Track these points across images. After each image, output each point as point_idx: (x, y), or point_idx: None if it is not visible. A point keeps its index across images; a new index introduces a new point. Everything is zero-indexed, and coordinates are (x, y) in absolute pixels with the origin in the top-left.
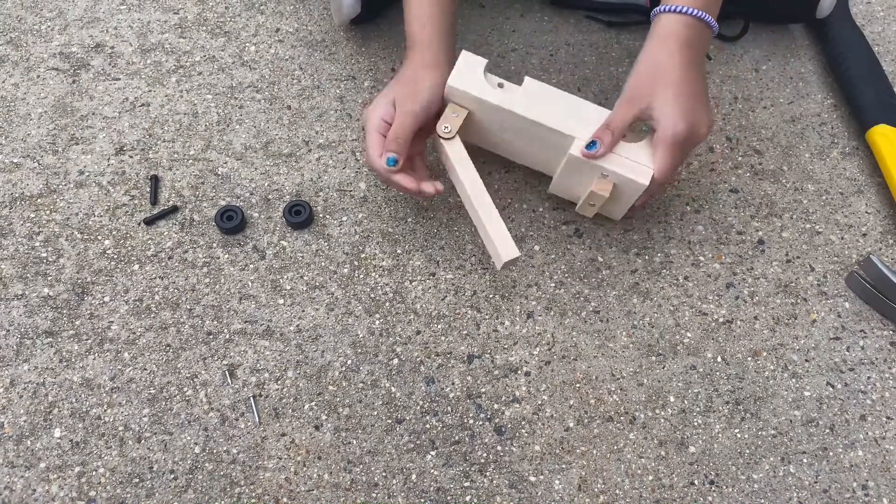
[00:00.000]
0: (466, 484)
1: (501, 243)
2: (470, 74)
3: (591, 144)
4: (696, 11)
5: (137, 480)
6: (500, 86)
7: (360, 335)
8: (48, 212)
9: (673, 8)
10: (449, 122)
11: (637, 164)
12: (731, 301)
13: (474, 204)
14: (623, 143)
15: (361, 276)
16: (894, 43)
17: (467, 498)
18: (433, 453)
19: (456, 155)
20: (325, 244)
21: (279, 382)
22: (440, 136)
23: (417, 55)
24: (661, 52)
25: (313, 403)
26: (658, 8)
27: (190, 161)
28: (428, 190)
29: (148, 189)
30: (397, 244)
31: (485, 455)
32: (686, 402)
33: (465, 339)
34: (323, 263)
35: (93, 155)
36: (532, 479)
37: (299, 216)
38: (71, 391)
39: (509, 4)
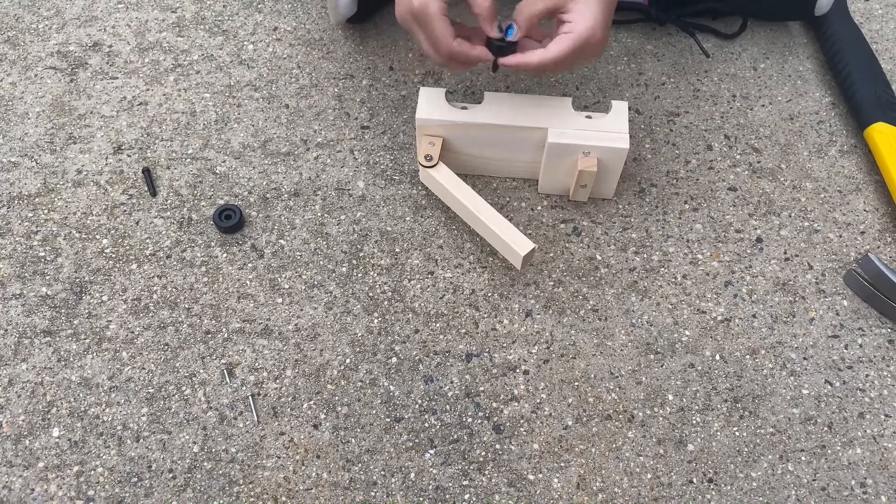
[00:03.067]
0: (465, 482)
1: (515, 241)
2: (434, 104)
3: (509, 29)
4: None
5: (136, 479)
6: (464, 108)
7: (359, 334)
8: (46, 211)
9: None
10: (428, 151)
11: (611, 133)
12: (730, 299)
13: (480, 217)
14: (591, 120)
15: (360, 274)
16: (892, 41)
17: (466, 496)
18: (432, 452)
19: (445, 178)
20: (324, 243)
21: (278, 381)
22: (424, 166)
23: None
24: None
25: (312, 402)
26: None
27: (188, 160)
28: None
29: (146, 188)
30: (395, 243)
31: (483, 453)
32: (684, 400)
33: (463, 337)
34: (321, 262)
35: (91, 154)
36: (531, 477)
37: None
38: (69, 390)
39: (508, 3)
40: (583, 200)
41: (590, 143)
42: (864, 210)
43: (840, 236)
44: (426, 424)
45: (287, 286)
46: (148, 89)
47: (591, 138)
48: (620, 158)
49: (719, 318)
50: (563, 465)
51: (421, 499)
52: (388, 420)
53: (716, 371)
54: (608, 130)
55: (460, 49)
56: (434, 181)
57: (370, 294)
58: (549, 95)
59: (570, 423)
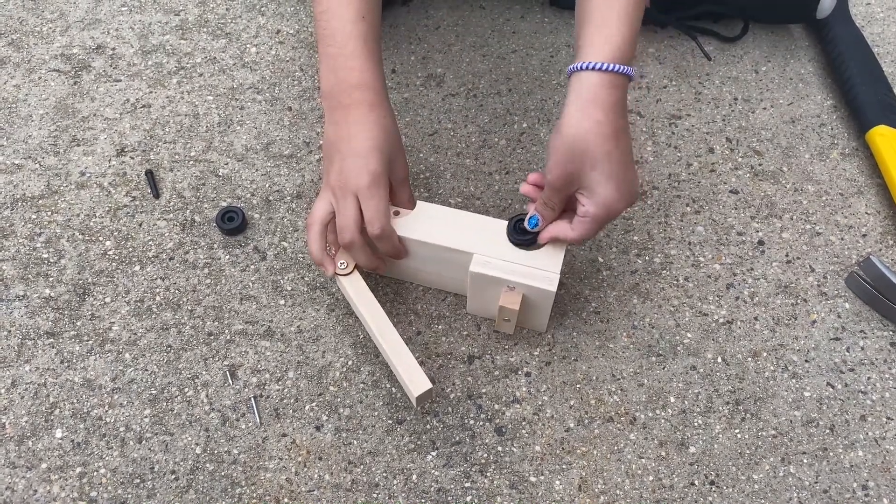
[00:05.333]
0: (467, 484)
1: (411, 378)
2: None
3: (532, 219)
4: (614, 66)
5: (138, 481)
6: (396, 213)
7: (361, 336)
8: (49, 213)
9: (590, 65)
10: (345, 258)
11: (541, 271)
12: (731, 302)
13: (380, 340)
14: (524, 253)
15: (362, 276)
16: (894, 44)
17: (468, 498)
18: (434, 454)
19: (355, 290)
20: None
21: (280, 383)
22: (337, 273)
23: (384, 101)
24: (584, 122)
25: (314, 404)
26: (574, 65)
27: (191, 162)
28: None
29: (149, 190)
30: None
31: (485, 455)
32: (686, 402)
33: (465, 339)
34: None
35: (94, 156)
36: (532, 479)
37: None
38: (72, 392)
39: (509, 6)
40: (508, 332)
41: (515, 278)
42: (866, 213)
43: (842, 239)
44: (428, 426)
45: (289, 288)
46: (151, 92)
47: (518, 273)
48: (547, 299)
49: (721, 320)
50: (564, 467)
51: (423, 500)
52: (390, 422)
53: (717, 373)
54: (538, 267)
55: (393, 231)
56: (344, 290)
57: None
58: (486, 216)
59: (571, 425)
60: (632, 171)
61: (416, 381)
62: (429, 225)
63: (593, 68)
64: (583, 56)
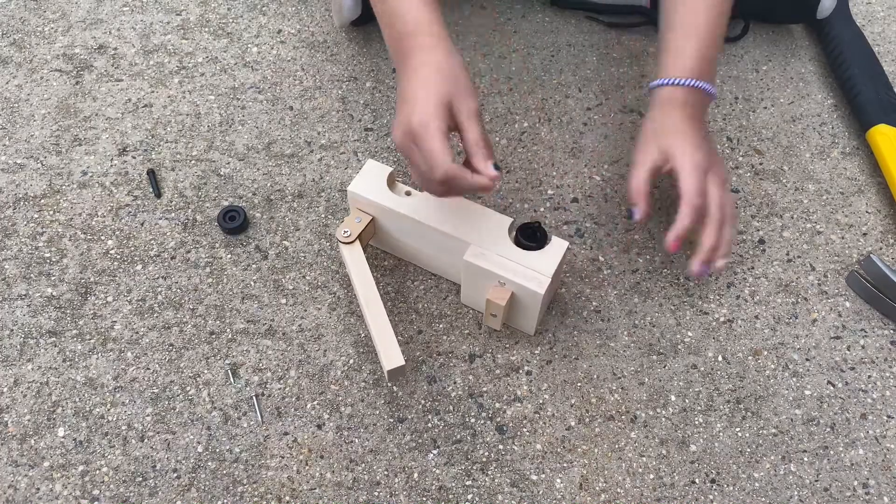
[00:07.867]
0: (468, 482)
1: (387, 352)
2: (373, 182)
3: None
4: (690, 81)
5: (140, 479)
6: (408, 194)
7: (362, 334)
8: (51, 212)
9: (667, 81)
10: (349, 227)
11: (532, 272)
12: (732, 300)
13: (365, 311)
14: (521, 251)
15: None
16: (894, 43)
17: (469, 496)
18: (435, 452)
19: (353, 260)
20: (327, 244)
21: (281, 382)
22: (340, 241)
23: (440, 42)
24: (660, 116)
25: (315, 402)
26: (653, 82)
27: (192, 161)
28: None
29: (150, 189)
30: None
31: (486, 454)
32: (687, 400)
33: (466, 338)
34: (325, 263)
35: (96, 156)
36: (533, 477)
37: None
38: (74, 390)
39: (510, 5)
40: (494, 328)
41: (505, 274)
42: (867, 212)
43: (842, 238)
44: (429, 425)
45: (291, 287)
46: (153, 91)
47: (509, 269)
48: (535, 300)
49: (722, 319)
50: (565, 465)
51: (424, 499)
52: (391, 420)
53: (718, 372)
54: (531, 267)
55: (458, 171)
56: (344, 258)
57: None
58: (491, 210)
59: (572, 423)
60: (711, 147)
61: (390, 355)
62: (435, 209)
63: (671, 84)
64: (671, 73)
